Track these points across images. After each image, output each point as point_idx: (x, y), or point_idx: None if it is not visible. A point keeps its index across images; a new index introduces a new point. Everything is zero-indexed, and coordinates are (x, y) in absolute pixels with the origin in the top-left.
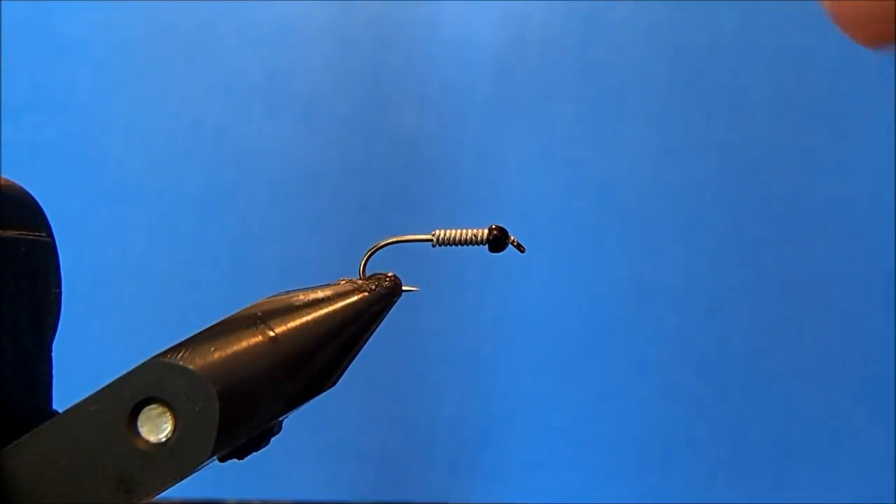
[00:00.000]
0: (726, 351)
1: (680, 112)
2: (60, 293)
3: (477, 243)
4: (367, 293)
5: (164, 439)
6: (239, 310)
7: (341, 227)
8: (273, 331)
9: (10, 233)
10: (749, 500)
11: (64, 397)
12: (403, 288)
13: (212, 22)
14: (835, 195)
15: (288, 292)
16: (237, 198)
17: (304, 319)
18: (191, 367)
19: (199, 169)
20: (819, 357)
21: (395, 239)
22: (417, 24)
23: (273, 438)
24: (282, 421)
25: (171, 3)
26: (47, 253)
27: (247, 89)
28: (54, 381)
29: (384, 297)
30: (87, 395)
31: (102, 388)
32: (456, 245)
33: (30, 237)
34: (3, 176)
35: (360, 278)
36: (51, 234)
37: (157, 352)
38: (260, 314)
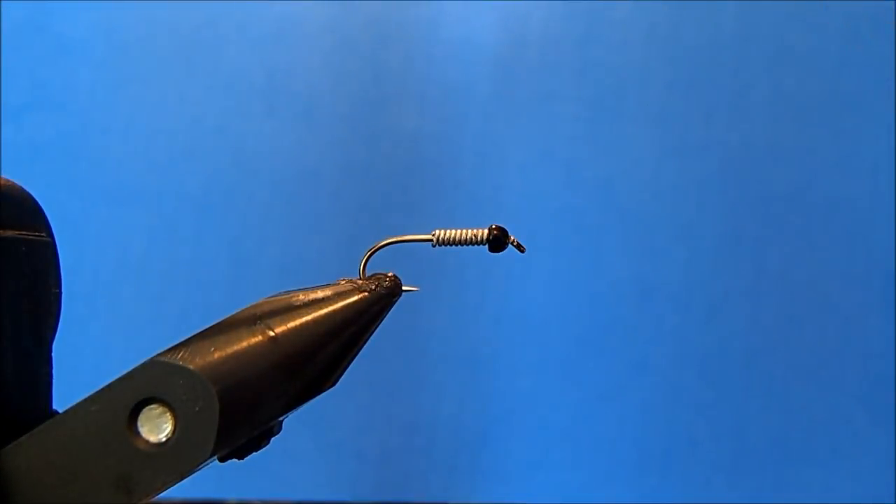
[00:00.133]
0: (726, 351)
1: (680, 112)
2: (60, 293)
3: (477, 243)
4: (367, 293)
5: (164, 439)
6: (239, 310)
7: (341, 227)
8: (273, 331)
9: (10, 233)
10: (749, 500)
11: (64, 397)
12: (403, 288)
13: (212, 22)
14: (835, 195)
15: (288, 292)
16: (237, 198)
17: (304, 319)
18: (191, 367)
19: (199, 169)
20: (819, 357)
21: (395, 239)
22: (417, 24)
23: (273, 438)
24: (282, 421)
25: (171, 3)
26: (47, 253)
27: (247, 89)
28: (54, 381)
29: (384, 297)
30: (87, 395)
31: (102, 388)
32: (456, 245)
33: (30, 237)
34: (3, 176)
35: (360, 278)
36: (51, 234)
37: (157, 352)
38: (260, 314)
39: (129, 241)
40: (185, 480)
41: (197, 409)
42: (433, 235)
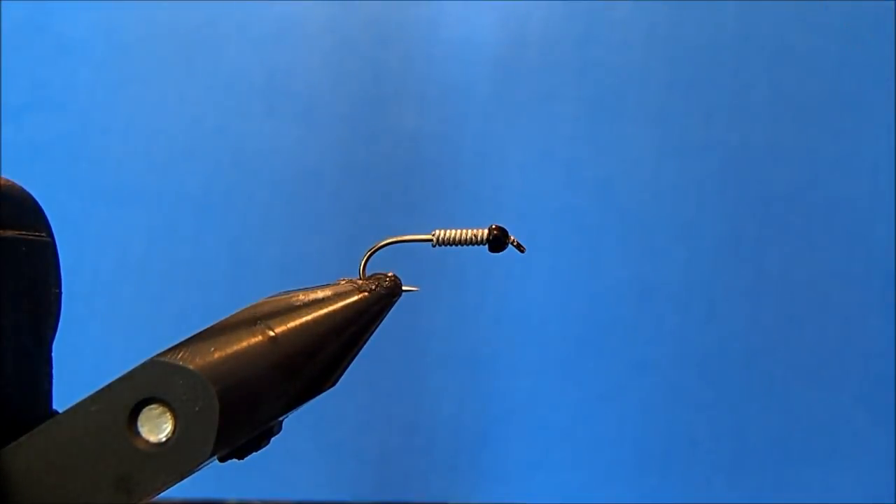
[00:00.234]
0: (726, 351)
1: (680, 112)
2: (60, 293)
3: (477, 243)
4: (367, 293)
5: (164, 439)
6: (239, 310)
7: (341, 227)
8: (273, 331)
9: (10, 233)
10: (749, 500)
11: (64, 397)
12: (403, 288)
13: (212, 22)
14: (835, 195)
15: (288, 292)
16: (237, 198)
17: (304, 319)
18: (191, 367)
19: (199, 169)
20: (819, 357)
21: (395, 239)
22: (417, 24)
23: (273, 438)
24: (282, 421)
25: (171, 3)
26: (47, 253)
27: (247, 89)
28: (54, 381)
29: (384, 297)
30: (87, 395)
31: (102, 388)
32: (456, 245)
33: (30, 237)
34: (3, 176)
35: (360, 278)
36: (51, 234)
37: (157, 352)
38: (260, 314)
39: (129, 241)
40: (185, 480)
41: (197, 409)
42: (433, 235)
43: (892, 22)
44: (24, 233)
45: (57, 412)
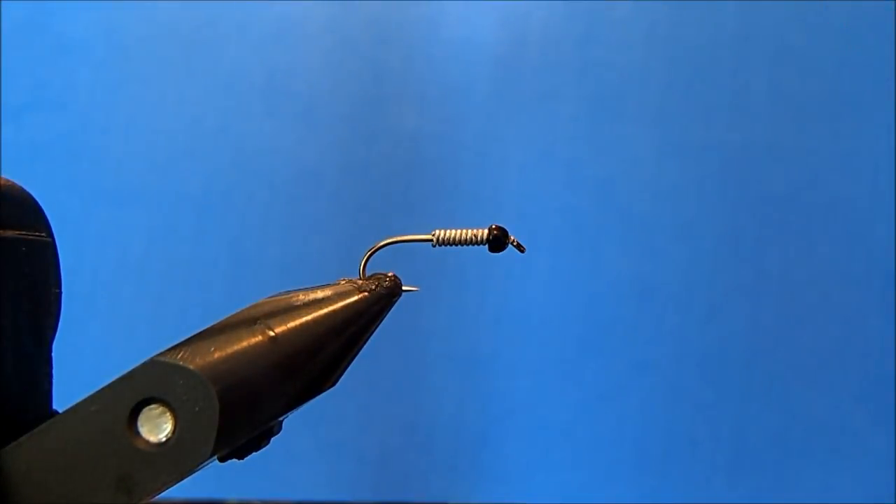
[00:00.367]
0: (726, 351)
1: (680, 112)
2: (60, 293)
3: (477, 243)
4: (367, 293)
5: (164, 439)
6: (239, 310)
7: (341, 227)
8: (273, 331)
9: (10, 233)
10: (749, 500)
11: (64, 397)
12: (403, 288)
13: (212, 22)
14: (835, 195)
15: (288, 292)
16: (237, 198)
17: (304, 319)
18: (191, 367)
19: (199, 169)
20: (819, 357)
21: (394, 239)
22: (417, 24)
23: (273, 438)
24: (282, 421)
25: (171, 3)
26: (47, 253)
27: (247, 89)
28: (54, 381)
29: (384, 297)
30: (87, 395)
31: (102, 388)
32: (456, 245)
33: (30, 237)
34: (3, 176)
35: (360, 278)
36: (51, 234)
37: (157, 352)
38: (260, 314)
39: (129, 241)
40: (185, 480)
41: (197, 409)
42: (433, 235)
43: (892, 22)
44: (24, 233)
45: (57, 412)
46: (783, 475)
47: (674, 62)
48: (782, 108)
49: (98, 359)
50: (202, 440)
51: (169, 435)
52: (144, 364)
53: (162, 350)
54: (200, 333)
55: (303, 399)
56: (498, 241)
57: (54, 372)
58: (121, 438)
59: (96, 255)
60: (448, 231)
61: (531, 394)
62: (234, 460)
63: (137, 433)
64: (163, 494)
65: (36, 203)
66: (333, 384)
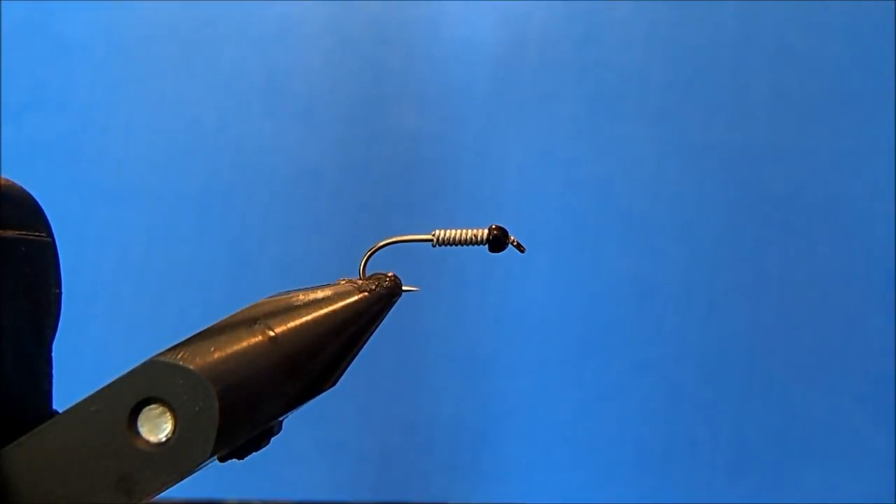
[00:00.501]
0: (726, 351)
1: (680, 112)
2: (60, 293)
3: (477, 243)
4: (367, 293)
5: (164, 439)
6: (239, 310)
7: (341, 227)
8: (273, 331)
9: (10, 233)
10: (749, 500)
11: (64, 397)
12: (403, 288)
13: (212, 22)
14: (835, 195)
15: (288, 292)
16: (237, 198)
17: (304, 319)
18: (191, 367)
19: (199, 169)
20: (819, 357)
21: (395, 239)
22: (417, 24)
23: (273, 438)
24: (282, 421)
25: (171, 3)
26: (47, 253)
27: (247, 89)
28: (54, 381)
29: (384, 297)
30: (87, 395)
31: (102, 388)
32: (456, 245)
33: (30, 237)
34: (3, 176)
35: (360, 278)
36: (51, 234)
37: (157, 352)
38: (260, 314)
39: (129, 241)
40: (185, 480)
41: (197, 409)
42: (433, 235)
43: (892, 22)
44: (24, 233)
45: (57, 412)
46: (783, 475)
47: (674, 62)
48: (782, 108)
49: (98, 359)
50: (202, 440)
51: (169, 435)
52: (144, 364)
53: (162, 350)
54: (200, 333)
55: (303, 399)
56: (498, 241)
57: (54, 372)
58: (121, 438)
59: (96, 255)
60: (448, 231)
61: (531, 394)
62: (234, 460)
63: (137, 433)
64: (163, 494)
65: (36, 203)
66: (333, 384)
